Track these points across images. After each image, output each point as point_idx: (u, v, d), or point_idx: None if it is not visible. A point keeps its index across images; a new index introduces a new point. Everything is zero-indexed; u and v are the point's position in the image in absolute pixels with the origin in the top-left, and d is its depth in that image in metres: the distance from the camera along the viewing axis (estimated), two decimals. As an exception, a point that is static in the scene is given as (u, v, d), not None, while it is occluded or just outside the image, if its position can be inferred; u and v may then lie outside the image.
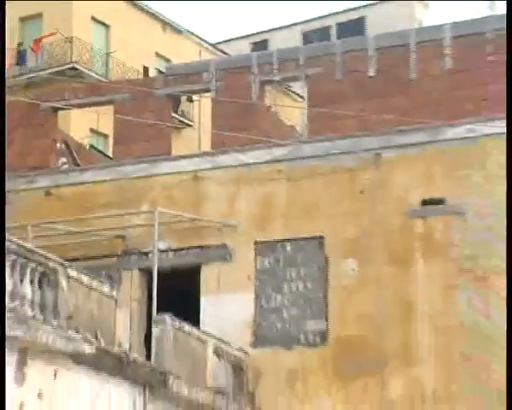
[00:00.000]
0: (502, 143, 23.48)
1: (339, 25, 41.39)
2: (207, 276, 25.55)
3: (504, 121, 23.62)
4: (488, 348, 23.08)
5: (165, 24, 41.96)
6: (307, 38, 40.16)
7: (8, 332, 16.82)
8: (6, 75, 35.06)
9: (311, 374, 24.27)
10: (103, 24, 39.61)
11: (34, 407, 17.46)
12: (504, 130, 23.62)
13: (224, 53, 39.76)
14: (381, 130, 25.01)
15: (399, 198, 24.58)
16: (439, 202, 24.39)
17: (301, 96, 27.93)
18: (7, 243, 17.88)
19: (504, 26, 25.12)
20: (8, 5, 36.80)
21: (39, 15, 38.75)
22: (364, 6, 41.92)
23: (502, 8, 37.73)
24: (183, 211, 25.27)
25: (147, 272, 24.95)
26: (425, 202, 24.50)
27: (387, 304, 24.20)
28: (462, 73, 24.81)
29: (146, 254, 25.03)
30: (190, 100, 30.57)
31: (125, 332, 21.55)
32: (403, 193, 24.62)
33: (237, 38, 44.44)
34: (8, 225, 23.46)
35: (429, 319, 23.84)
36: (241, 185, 25.82)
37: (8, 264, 17.55)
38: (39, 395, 17.69)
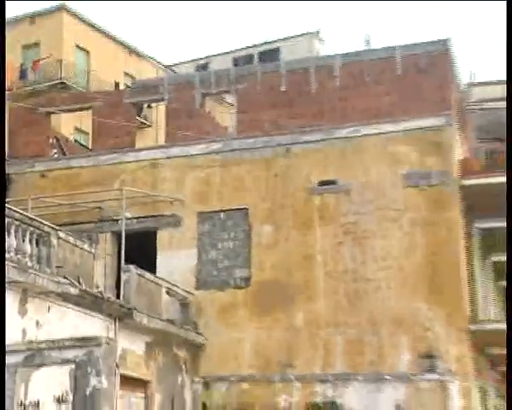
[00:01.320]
0: (367, 141, 24.30)
1: (260, 53, 41.10)
2: (162, 237, 25.61)
3: (378, 125, 24.25)
4: (364, 287, 23.52)
5: (131, 50, 41.37)
6: (236, 62, 39.73)
7: (12, 278, 16.88)
8: (12, 88, 34.98)
9: (238, 308, 24.48)
10: (85, 50, 38.93)
11: (33, 332, 17.49)
12: (377, 131, 24.23)
13: (175, 72, 39.31)
14: (289, 130, 25.16)
15: (303, 180, 24.73)
16: (332, 183, 24.48)
17: (232, 105, 28.33)
18: (13, 213, 17.91)
19: (378, 57, 25.74)
20: (13, 36, 37.58)
21: (37, 44, 38.00)
22: (279, 40, 41.76)
23: (376, 44, 38.31)
24: (144, 189, 25.39)
25: (117, 234, 24.88)
26: (321, 183, 24.55)
27: (294, 257, 24.40)
28: (346, 89, 25.25)
29: (116, 221, 24.81)
30: (150, 106, 30.76)
31: (100, 278, 21.42)
32: (305, 176, 24.75)
33: (185, 62, 43.85)
34: (12, 198, 24.01)
35: (323, 267, 24.04)
36: (187, 170, 25.81)
37: (13, 228, 17.56)
38: (37, 324, 17.77)
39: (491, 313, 28.01)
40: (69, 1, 40.54)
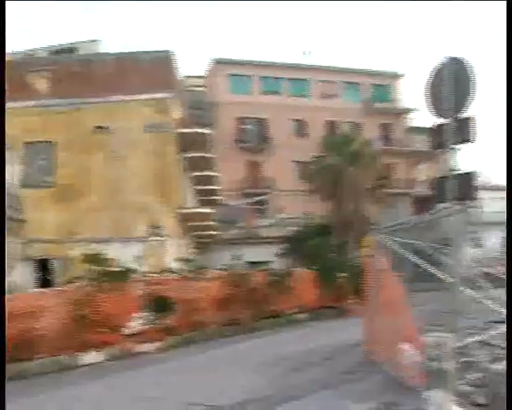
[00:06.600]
0: (126, 104, 23.30)
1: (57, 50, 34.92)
2: None
3: (131, 96, 22.90)
4: (121, 187, 22.73)
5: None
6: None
7: None
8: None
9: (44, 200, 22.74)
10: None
11: None
12: (131, 98, 23.02)
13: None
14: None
15: (88, 125, 23.08)
16: (104, 127, 23.03)
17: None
18: None
19: (142, 58, 24.16)
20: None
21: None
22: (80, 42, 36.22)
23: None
24: None
25: None
26: (97, 127, 23.02)
27: (80, 170, 22.89)
28: (115, 76, 23.67)
29: None
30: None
31: None
32: (89, 123, 23.05)
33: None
34: None
35: (97, 176, 22.84)
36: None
37: None
38: None
39: (189, 204, 28.25)
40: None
